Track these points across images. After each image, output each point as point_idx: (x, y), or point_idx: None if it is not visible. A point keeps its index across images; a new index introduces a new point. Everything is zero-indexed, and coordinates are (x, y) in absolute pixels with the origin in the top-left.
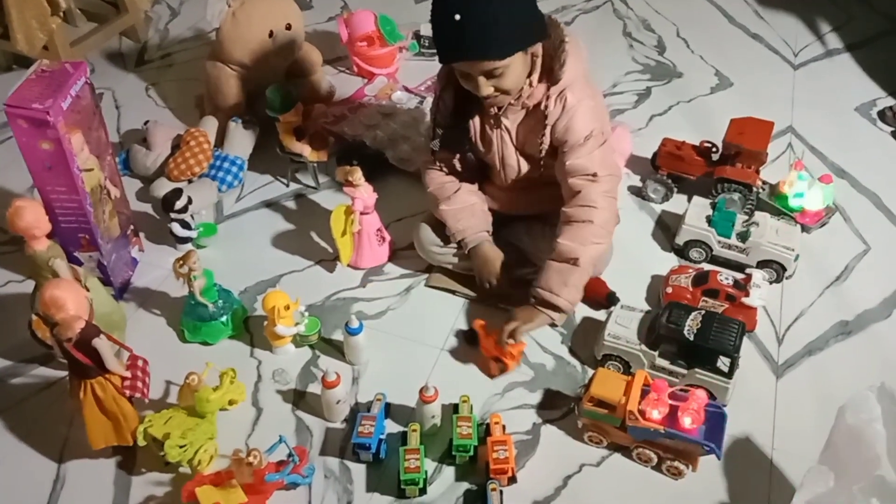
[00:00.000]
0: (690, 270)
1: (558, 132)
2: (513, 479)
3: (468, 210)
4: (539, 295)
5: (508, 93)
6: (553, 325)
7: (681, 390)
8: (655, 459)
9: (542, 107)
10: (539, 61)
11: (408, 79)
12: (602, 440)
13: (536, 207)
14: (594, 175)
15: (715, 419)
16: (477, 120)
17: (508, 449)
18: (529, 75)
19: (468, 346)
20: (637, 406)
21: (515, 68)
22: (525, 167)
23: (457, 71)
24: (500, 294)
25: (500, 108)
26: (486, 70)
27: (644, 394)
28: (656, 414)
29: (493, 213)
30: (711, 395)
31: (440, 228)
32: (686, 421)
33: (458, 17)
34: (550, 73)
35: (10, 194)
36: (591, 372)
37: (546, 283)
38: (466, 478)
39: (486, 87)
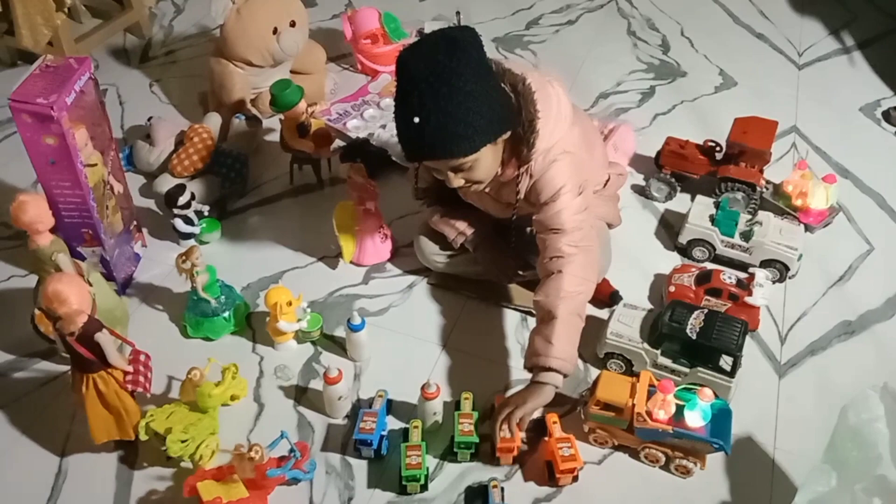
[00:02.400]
0: (693, 269)
1: (529, 194)
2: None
3: (460, 213)
4: (529, 364)
5: (481, 182)
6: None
7: (688, 388)
8: (664, 459)
9: (515, 183)
10: (508, 144)
11: None
12: (607, 441)
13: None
14: (558, 230)
15: (720, 415)
16: None
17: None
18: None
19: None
20: (644, 407)
21: (485, 160)
22: (510, 213)
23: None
24: (505, 293)
25: None
26: (453, 166)
27: (649, 394)
28: (662, 414)
29: (494, 221)
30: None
31: (439, 237)
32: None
33: (416, 119)
34: (520, 155)
35: (13, 189)
36: (592, 370)
37: (532, 348)
38: (468, 475)
39: (457, 180)
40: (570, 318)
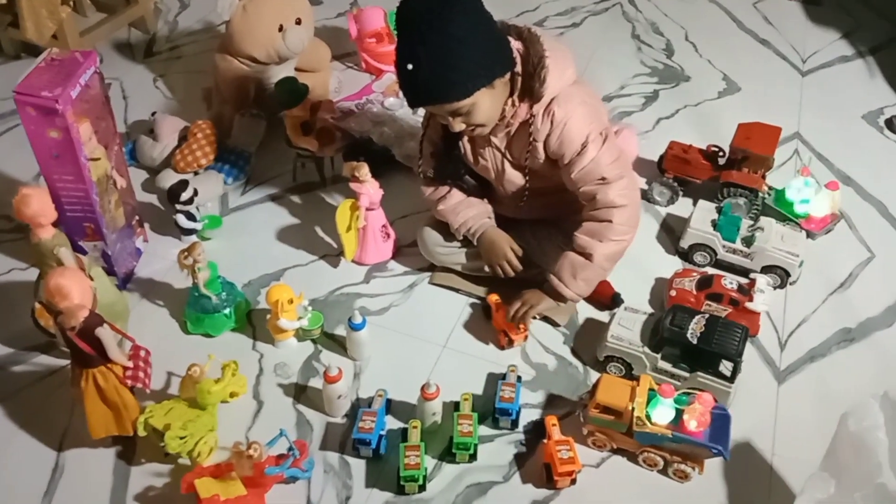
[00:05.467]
0: (694, 274)
1: (552, 147)
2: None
3: (465, 203)
4: (550, 280)
5: (483, 125)
6: (556, 325)
7: (686, 392)
8: (662, 463)
9: (529, 125)
10: (519, 81)
11: None
12: (606, 445)
13: (542, 213)
14: (603, 179)
15: (719, 421)
16: (466, 138)
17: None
18: (512, 94)
19: (486, 319)
20: (644, 411)
21: (483, 104)
22: (522, 179)
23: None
24: (503, 284)
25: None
26: (450, 111)
27: (649, 398)
28: (662, 418)
29: (500, 217)
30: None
31: (443, 228)
32: (692, 424)
33: (409, 66)
34: (531, 92)
35: (16, 182)
36: (592, 373)
37: (559, 270)
38: (466, 476)
39: (458, 124)
40: (603, 264)
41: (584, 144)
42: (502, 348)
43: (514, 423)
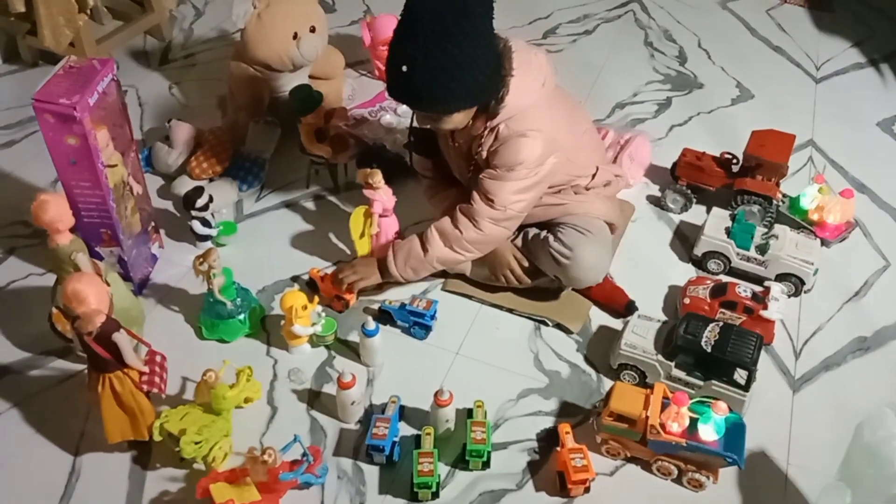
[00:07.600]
0: (708, 282)
1: (489, 154)
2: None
3: None
4: (386, 255)
5: (445, 130)
6: (569, 333)
7: (702, 401)
8: (676, 472)
9: (481, 137)
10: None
11: None
12: (620, 453)
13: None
14: (492, 200)
15: (734, 429)
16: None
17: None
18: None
19: (311, 291)
20: (658, 419)
21: (454, 119)
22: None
23: None
24: (519, 301)
25: None
26: (421, 114)
27: (663, 406)
28: (676, 427)
29: None
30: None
31: None
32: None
33: (404, 68)
34: (488, 109)
35: (34, 188)
36: (605, 381)
37: (397, 250)
38: (479, 483)
39: (418, 120)
40: (434, 263)
41: (510, 168)
42: (340, 311)
43: None
